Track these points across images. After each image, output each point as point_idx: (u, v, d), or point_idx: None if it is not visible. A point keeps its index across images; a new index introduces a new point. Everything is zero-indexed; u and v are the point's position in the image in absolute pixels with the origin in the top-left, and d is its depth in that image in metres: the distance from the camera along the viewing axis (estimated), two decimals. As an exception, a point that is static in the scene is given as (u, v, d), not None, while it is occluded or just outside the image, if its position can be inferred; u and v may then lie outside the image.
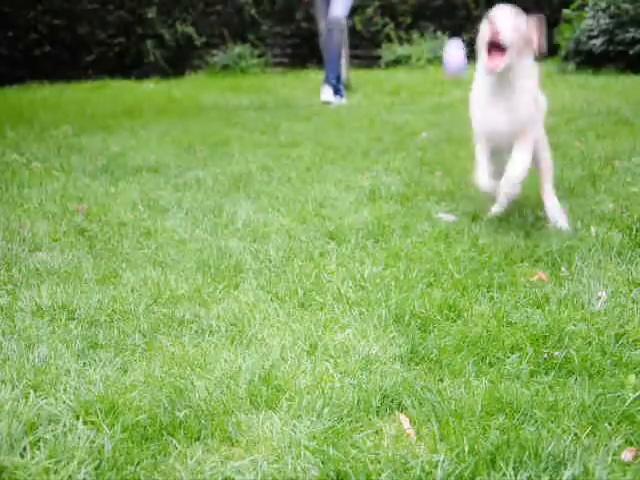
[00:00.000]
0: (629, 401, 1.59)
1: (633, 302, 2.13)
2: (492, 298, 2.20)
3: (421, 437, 1.51)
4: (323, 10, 6.75)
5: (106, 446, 1.47)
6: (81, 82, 9.47)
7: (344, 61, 6.96)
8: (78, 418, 1.58)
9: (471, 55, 10.45)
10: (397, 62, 10.45)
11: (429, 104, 6.54)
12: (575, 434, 1.49)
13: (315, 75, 9.51)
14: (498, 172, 2.81)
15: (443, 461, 1.39)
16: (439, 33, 10.70)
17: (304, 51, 11.04)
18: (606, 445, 1.45)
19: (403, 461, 1.41)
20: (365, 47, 11.06)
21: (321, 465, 1.41)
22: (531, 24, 2.66)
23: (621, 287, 2.25)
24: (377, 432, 1.53)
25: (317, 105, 6.79)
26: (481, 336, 1.92)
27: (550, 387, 1.68)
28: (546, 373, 1.75)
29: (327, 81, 6.82)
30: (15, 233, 2.96)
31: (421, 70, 9.93)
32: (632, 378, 1.68)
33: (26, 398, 1.65)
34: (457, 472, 1.36)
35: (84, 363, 1.86)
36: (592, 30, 8.20)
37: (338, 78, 6.88)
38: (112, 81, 9.58)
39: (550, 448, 1.42)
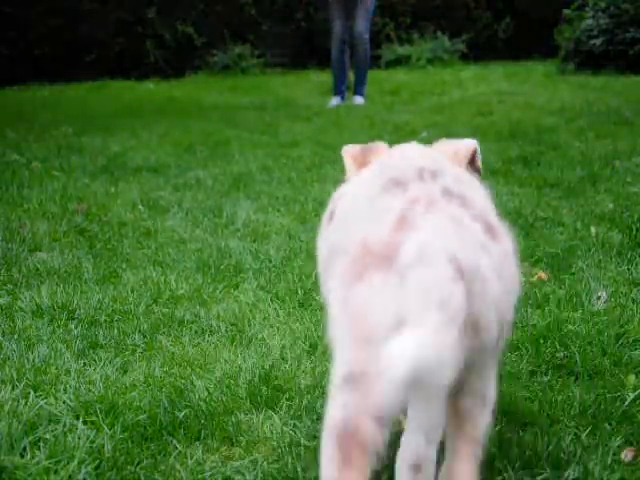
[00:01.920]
0: (629, 401, 1.59)
1: (633, 302, 2.13)
2: (492, 298, 2.20)
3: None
4: (339, 10, 6.62)
5: (106, 446, 1.47)
6: (81, 82, 9.47)
7: (346, 62, 6.91)
8: (78, 418, 1.58)
9: (470, 56, 10.45)
10: (397, 62, 10.44)
11: (429, 104, 6.54)
12: (575, 434, 1.49)
13: (315, 76, 9.50)
14: None
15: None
16: (439, 33, 10.70)
17: (304, 51, 11.04)
18: (606, 445, 1.44)
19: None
20: (365, 47, 11.05)
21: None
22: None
23: (621, 287, 2.25)
24: (377, 432, 1.52)
25: (317, 105, 6.79)
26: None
27: (550, 387, 1.68)
28: (546, 373, 1.75)
29: (358, 92, 6.84)
30: (15, 233, 2.96)
31: (421, 70, 9.93)
32: (632, 378, 1.68)
33: (26, 398, 1.66)
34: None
35: (84, 363, 1.86)
36: (592, 30, 8.19)
37: (343, 81, 6.89)
38: (112, 81, 9.57)
39: (550, 448, 1.42)
